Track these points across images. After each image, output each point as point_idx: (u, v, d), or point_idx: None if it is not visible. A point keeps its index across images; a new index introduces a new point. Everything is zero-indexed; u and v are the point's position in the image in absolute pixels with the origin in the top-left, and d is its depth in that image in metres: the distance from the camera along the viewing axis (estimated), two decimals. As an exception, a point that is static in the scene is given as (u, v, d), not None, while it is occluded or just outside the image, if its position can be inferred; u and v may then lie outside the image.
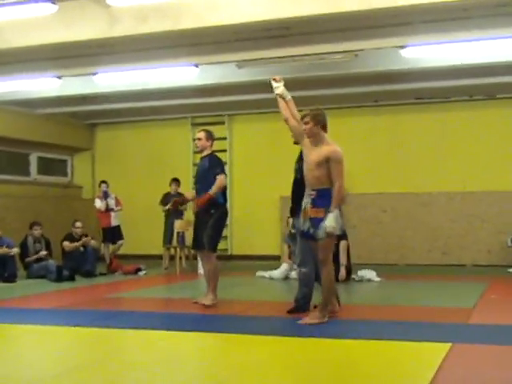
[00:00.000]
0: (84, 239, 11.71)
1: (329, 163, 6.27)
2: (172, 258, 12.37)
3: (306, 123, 6.43)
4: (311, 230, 6.34)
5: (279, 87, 6.77)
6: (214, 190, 7.56)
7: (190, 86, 11.30)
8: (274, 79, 6.81)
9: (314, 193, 6.34)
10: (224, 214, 7.88)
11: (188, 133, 14.22)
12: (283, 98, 6.76)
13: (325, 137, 6.44)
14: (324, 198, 6.26)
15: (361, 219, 13.20)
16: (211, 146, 7.83)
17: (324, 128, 6.47)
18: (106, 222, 12.67)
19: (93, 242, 11.94)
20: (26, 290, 9.87)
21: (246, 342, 5.77)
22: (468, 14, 8.04)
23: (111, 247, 12.91)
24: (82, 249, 11.63)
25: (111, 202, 12.64)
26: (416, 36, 8.52)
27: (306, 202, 6.40)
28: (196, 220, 7.93)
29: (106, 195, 12.62)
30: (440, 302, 8.10)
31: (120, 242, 12.78)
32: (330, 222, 6.17)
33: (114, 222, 12.72)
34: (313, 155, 6.37)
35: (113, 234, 12.76)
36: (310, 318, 6.46)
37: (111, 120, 15.23)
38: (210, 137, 7.83)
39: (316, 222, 6.28)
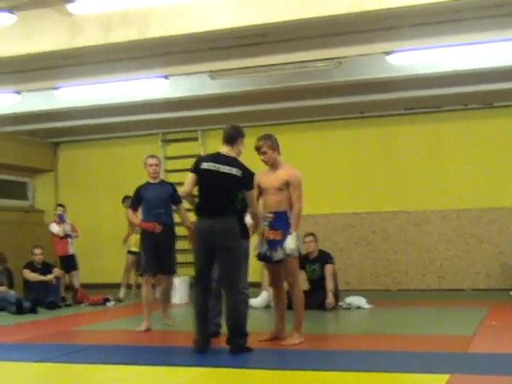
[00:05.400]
0: (56, 273, 11.88)
1: (289, 187, 6.97)
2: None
3: (263, 153, 7.09)
4: (268, 253, 7.03)
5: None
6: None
7: (159, 100, 11.26)
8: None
9: (271, 215, 7.01)
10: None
11: (158, 150, 14.12)
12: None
13: (281, 161, 7.17)
14: (281, 221, 6.97)
15: (348, 241, 13.18)
16: None
17: (278, 152, 7.17)
18: (63, 250, 12.46)
19: (56, 271, 11.93)
20: (-17, 324, 9.77)
21: (222, 376, 5.76)
22: (460, 16, 8.08)
23: (68, 277, 12.78)
24: (53, 281, 11.74)
25: (67, 228, 12.50)
26: (404, 41, 8.54)
27: (264, 224, 7.03)
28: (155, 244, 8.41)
29: (61, 220, 12.46)
30: (437, 329, 8.07)
31: (74, 272, 12.59)
32: (290, 243, 6.86)
33: (71, 250, 12.57)
34: (272, 181, 7.06)
35: (69, 263, 12.54)
36: (291, 340, 6.98)
37: (75, 138, 15.16)
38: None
39: (273, 244, 6.98)
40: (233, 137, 6.81)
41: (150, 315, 8.44)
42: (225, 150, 6.81)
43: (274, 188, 7.04)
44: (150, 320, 8.40)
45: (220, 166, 6.64)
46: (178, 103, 11.81)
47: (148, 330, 8.30)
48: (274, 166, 7.17)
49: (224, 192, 6.61)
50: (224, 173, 6.60)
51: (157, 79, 9.93)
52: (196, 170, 6.74)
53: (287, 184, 7.01)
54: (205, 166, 6.69)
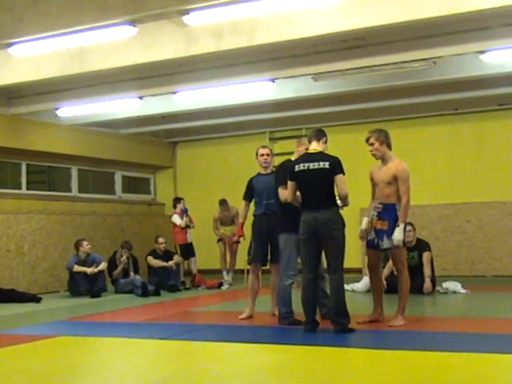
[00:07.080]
0: (176, 259, 12.17)
1: (397, 180, 6.90)
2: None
3: (370, 144, 7.05)
4: (375, 241, 7.03)
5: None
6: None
7: (267, 101, 11.34)
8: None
9: (380, 206, 7.01)
10: None
11: (267, 147, 14.23)
12: None
13: (391, 155, 7.06)
14: (390, 212, 6.94)
15: (444, 230, 12.90)
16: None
17: (389, 146, 7.07)
18: (183, 239, 12.79)
19: (177, 257, 12.22)
20: (114, 305, 10.11)
21: (328, 355, 5.73)
22: (551, 15, 7.77)
23: (186, 264, 13.19)
24: (174, 267, 12.02)
25: (187, 219, 12.78)
26: (496, 40, 8.28)
27: (373, 214, 7.07)
28: (265, 233, 7.82)
29: (184, 213, 12.75)
30: (531, 313, 7.80)
31: (193, 258, 12.93)
32: (397, 235, 6.79)
33: (190, 239, 12.88)
34: (382, 175, 7.02)
35: (188, 251, 12.86)
36: (397, 321, 6.94)
37: (191, 137, 15.47)
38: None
39: (380, 233, 6.96)
40: (318, 134, 6.92)
41: (253, 303, 7.98)
42: (312, 146, 6.89)
43: (383, 182, 6.98)
44: (253, 308, 7.96)
45: (309, 164, 6.72)
46: (283, 104, 11.84)
47: (250, 317, 7.89)
48: (383, 159, 7.07)
49: (320, 187, 6.66)
50: (314, 169, 6.67)
51: (264, 82, 9.99)
52: (292, 176, 6.83)
53: (395, 178, 6.91)
54: (297, 168, 6.78)
